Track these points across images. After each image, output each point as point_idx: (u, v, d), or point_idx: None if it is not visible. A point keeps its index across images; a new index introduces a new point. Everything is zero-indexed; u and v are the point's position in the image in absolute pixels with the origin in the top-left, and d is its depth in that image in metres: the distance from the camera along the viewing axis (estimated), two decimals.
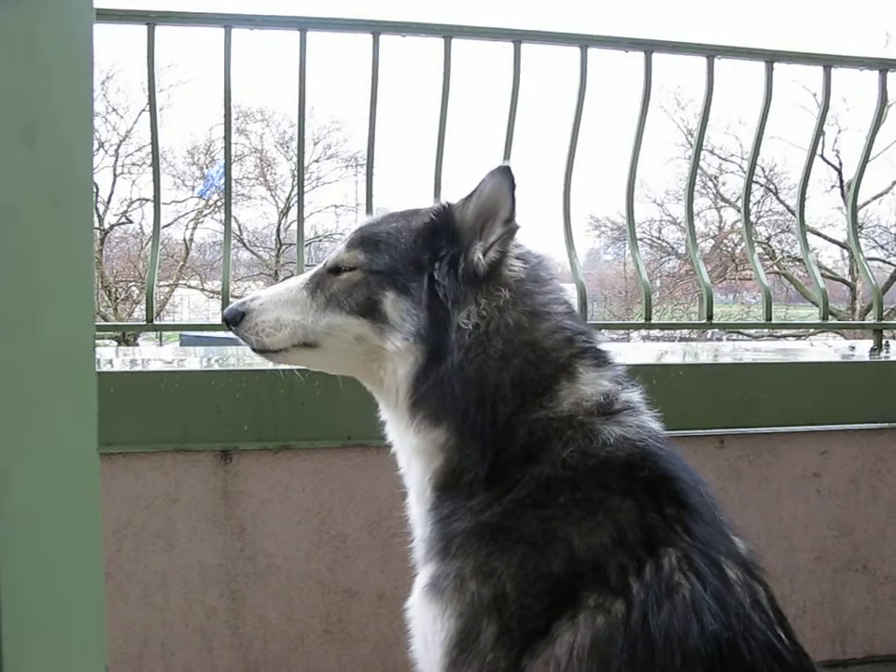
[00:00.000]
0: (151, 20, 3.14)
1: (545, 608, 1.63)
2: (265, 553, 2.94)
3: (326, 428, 2.88)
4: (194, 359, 3.58)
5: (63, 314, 0.85)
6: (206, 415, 2.84)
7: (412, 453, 1.91)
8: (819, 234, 21.93)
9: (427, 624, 1.77)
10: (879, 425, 3.42)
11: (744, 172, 4.28)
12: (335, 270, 1.94)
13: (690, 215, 3.98)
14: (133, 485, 2.85)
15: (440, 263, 1.84)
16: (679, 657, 1.52)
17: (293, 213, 19.55)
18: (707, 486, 1.80)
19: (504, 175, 1.82)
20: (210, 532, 2.90)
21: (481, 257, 1.83)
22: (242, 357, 3.31)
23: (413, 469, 1.92)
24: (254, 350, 2.00)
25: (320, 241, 23.22)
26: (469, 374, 1.80)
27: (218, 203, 21.44)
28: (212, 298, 21.32)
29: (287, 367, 2.17)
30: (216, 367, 3.14)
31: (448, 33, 3.35)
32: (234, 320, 1.97)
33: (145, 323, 3.35)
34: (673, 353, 3.80)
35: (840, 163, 22.00)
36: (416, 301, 1.84)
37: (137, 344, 15.09)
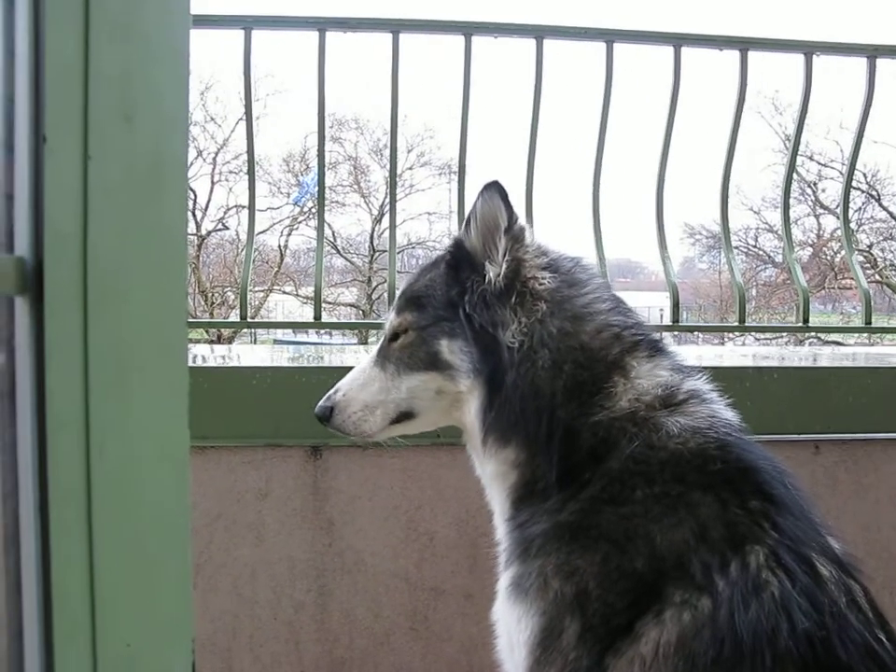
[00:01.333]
0: (248, 24, 3.22)
1: (628, 605, 1.61)
2: (353, 549, 2.96)
3: None
4: (285, 356, 3.63)
5: (156, 289, 0.88)
6: (297, 411, 2.86)
7: (490, 479, 1.96)
8: None
9: (511, 624, 1.77)
10: None
11: (843, 176, 4.15)
12: (394, 337, 2.03)
13: (786, 209, 3.86)
14: (224, 479, 2.90)
15: (467, 295, 1.92)
16: (769, 656, 1.48)
17: (386, 220, 19.79)
18: (792, 477, 1.75)
19: (492, 189, 1.90)
20: (299, 527, 2.94)
21: (493, 274, 1.90)
22: (332, 354, 3.35)
23: (495, 492, 1.97)
24: (354, 437, 2.11)
25: (413, 248, 23.39)
26: (525, 389, 1.84)
27: (313, 210, 21.72)
28: (305, 303, 21.64)
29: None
30: (306, 364, 3.19)
31: (540, 33, 3.36)
32: (325, 416, 2.09)
33: (238, 321, 3.43)
34: (768, 357, 3.71)
35: None
36: (465, 338, 1.91)
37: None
